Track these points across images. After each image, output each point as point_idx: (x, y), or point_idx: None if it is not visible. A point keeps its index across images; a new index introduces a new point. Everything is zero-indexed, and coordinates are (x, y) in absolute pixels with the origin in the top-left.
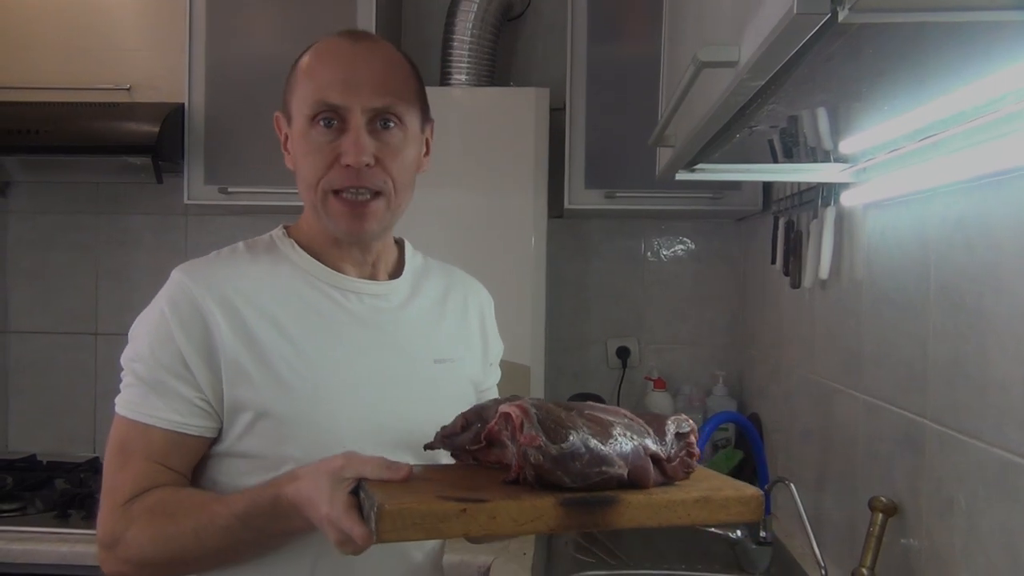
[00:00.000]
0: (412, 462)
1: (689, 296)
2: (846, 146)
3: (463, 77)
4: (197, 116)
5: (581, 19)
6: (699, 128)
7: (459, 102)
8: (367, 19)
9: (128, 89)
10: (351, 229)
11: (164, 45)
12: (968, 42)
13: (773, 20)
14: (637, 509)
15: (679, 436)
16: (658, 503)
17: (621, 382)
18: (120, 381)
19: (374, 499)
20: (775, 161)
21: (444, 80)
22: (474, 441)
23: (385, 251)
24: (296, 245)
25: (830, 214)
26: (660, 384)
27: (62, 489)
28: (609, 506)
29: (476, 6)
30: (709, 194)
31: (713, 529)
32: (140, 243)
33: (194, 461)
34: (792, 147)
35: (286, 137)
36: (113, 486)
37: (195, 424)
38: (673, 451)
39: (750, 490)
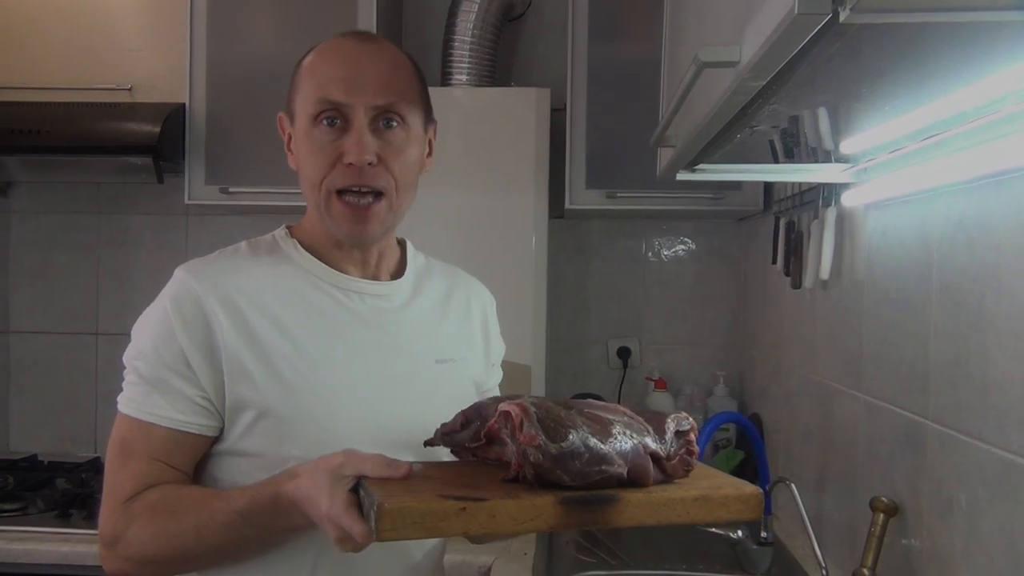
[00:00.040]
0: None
1: (690, 296)
2: (847, 146)
3: (464, 77)
4: (198, 116)
5: (582, 19)
6: (700, 128)
7: (460, 102)
8: (368, 19)
9: (129, 89)
10: (353, 232)
11: (165, 45)
12: (969, 43)
13: (774, 20)
14: (636, 507)
15: (679, 434)
16: (657, 501)
17: (622, 382)
18: (122, 380)
19: (374, 498)
20: (776, 161)
21: (445, 80)
22: (474, 439)
23: (387, 251)
24: (298, 245)
25: (831, 214)
26: (661, 384)
27: (63, 489)
28: (608, 505)
29: (477, 6)
30: (710, 194)
31: (714, 529)
32: (141, 243)
33: (195, 459)
34: (793, 147)
35: (289, 137)
36: (115, 484)
37: (196, 423)
38: (673, 449)
39: (749, 488)
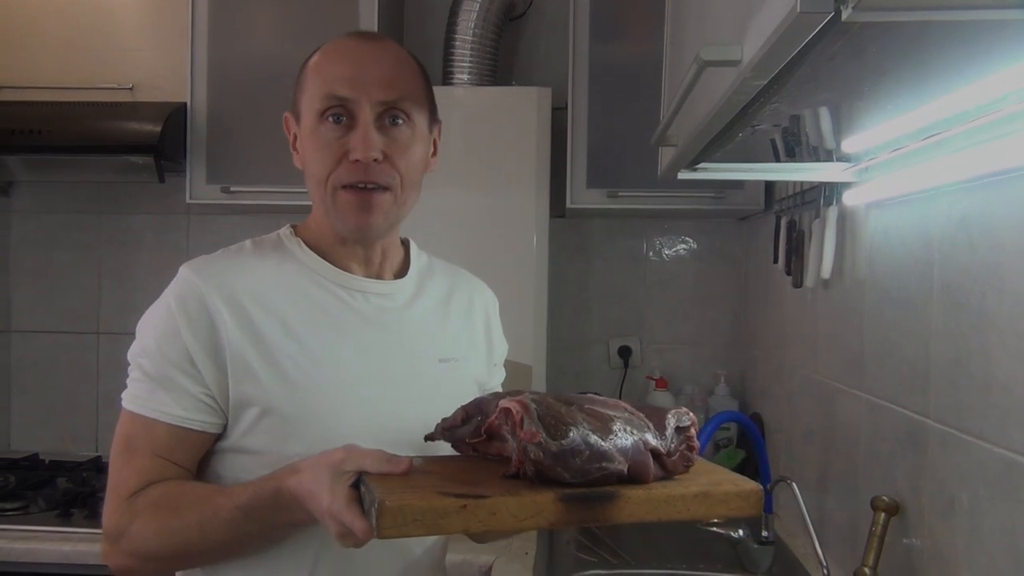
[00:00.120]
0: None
1: (691, 296)
2: (848, 145)
3: (465, 76)
4: (199, 116)
5: (583, 18)
6: (701, 127)
7: (461, 102)
8: (369, 18)
9: (130, 89)
10: (358, 223)
11: (166, 45)
12: (971, 41)
13: (776, 19)
14: (637, 504)
15: (679, 430)
16: (657, 498)
17: (623, 382)
18: (123, 378)
19: (375, 495)
20: (777, 160)
21: (446, 80)
22: (474, 434)
23: (391, 250)
24: (303, 244)
25: (832, 213)
26: (662, 384)
27: (64, 488)
28: (609, 501)
29: (478, 5)
30: (711, 193)
31: (715, 528)
32: (142, 243)
33: (198, 456)
34: (794, 146)
35: (295, 137)
36: (118, 480)
37: (200, 420)
38: (673, 445)
39: (749, 484)
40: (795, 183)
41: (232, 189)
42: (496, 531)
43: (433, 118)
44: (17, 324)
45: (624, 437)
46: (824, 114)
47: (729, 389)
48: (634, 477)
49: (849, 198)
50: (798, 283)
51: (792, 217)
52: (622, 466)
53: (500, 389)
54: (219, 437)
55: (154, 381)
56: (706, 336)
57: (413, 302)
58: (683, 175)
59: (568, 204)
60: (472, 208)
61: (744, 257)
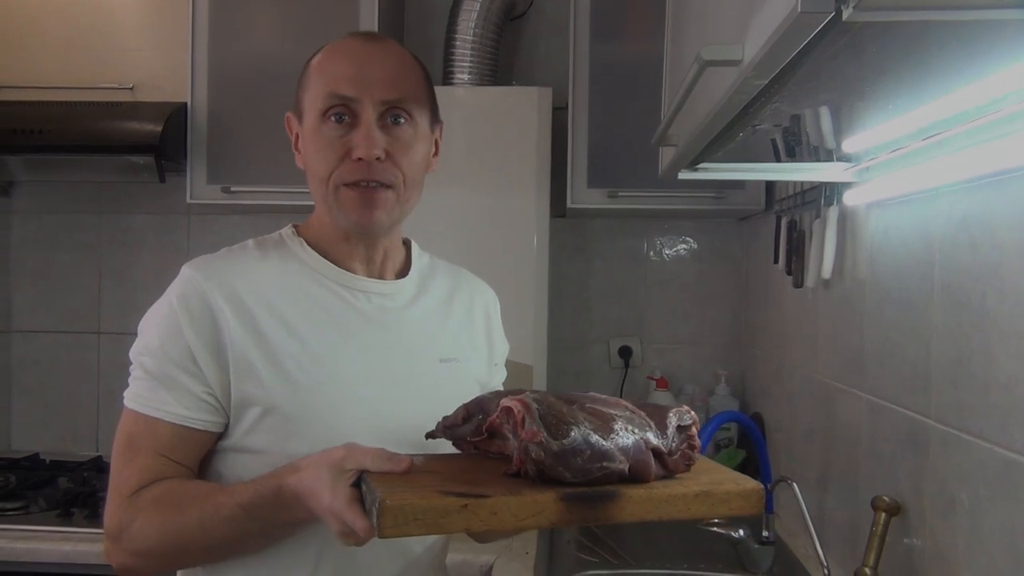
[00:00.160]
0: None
1: (691, 296)
2: (849, 145)
3: (466, 76)
4: (200, 115)
5: (584, 18)
6: (702, 127)
7: (462, 101)
8: (369, 18)
9: (131, 88)
10: (361, 219)
11: (167, 45)
12: (971, 41)
13: (777, 18)
14: (638, 503)
15: (680, 429)
16: (658, 497)
17: (623, 382)
18: (124, 378)
19: (376, 494)
20: (778, 160)
21: (447, 79)
22: (476, 432)
23: (392, 250)
24: (305, 243)
25: (833, 213)
26: (662, 384)
27: (65, 488)
28: (610, 501)
29: (479, 5)
30: (712, 193)
31: (716, 528)
32: (143, 243)
33: (200, 455)
34: (795, 146)
35: (297, 137)
36: (120, 479)
37: (202, 419)
38: (674, 444)
39: (751, 484)
40: (795, 183)
41: (233, 189)
42: (497, 530)
43: (435, 118)
44: (18, 324)
45: (625, 436)
46: (825, 114)
47: (730, 389)
48: (635, 476)
49: (850, 198)
50: (799, 283)
51: (793, 217)
52: (623, 465)
53: (502, 389)
54: (220, 436)
55: (156, 380)
56: (706, 336)
57: (414, 302)
58: (684, 175)
59: (568, 204)
60: (473, 208)
61: (744, 257)
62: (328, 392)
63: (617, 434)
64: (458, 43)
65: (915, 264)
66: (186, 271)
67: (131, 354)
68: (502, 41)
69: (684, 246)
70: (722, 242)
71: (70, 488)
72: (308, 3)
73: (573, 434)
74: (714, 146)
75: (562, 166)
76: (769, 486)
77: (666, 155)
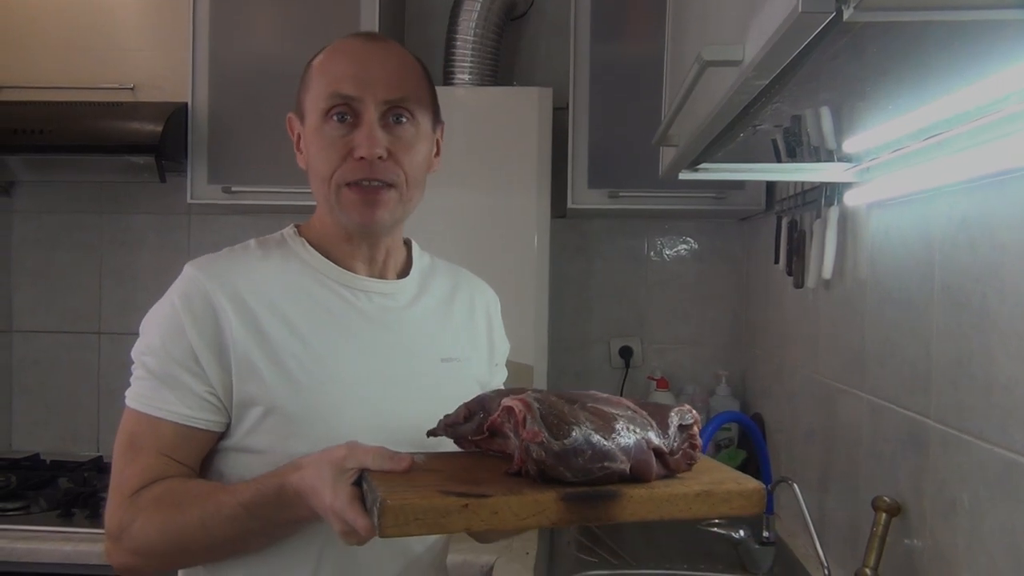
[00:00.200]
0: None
1: (692, 296)
2: (849, 145)
3: (466, 77)
4: (200, 115)
5: (584, 18)
6: (703, 127)
7: (462, 102)
8: (370, 18)
9: (132, 88)
10: (363, 219)
11: (167, 45)
12: (971, 41)
13: (778, 19)
14: (639, 503)
15: (682, 428)
16: (659, 497)
17: (624, 382)
18: (125, 378)
19: (376, 493)
20: (779, 160)
21: (447, 80)
22: (477, 431)
23: (394, 250)
24: (306, 243)
25: (833, 214)
26: (663, 384)
27: (66, 488)
28: (611, 500)
29: (479, 5)
30: (712, 194)
31: (716, 529)
32: (143, 243)
33: (202, 455)
34: (796, 146)
35: (299, 137)
36: (121, 478)
37: (204, 418)
38: (676, 444)
39: (752, 483)
40: (796, 183)
41: (233, 189)
42: (498, 530)
43: (436, 119)
44: (18, 324)
45: (627, 436)
46: (825, 114)
47: (730, 389)
48: (636, 476)
49: (850, 198)
50: (799, 283)
51: (793, 217)
52: (624, 465)
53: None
54: (222, 436)
55: (158, 379)
56: (707, 336)
57: (415, 302)
58: (684, 175)
59: (569, 204)
60: (473, 208)
61: (745, 257)
62: (330, 392)
63: (618, 434)
64: (459, 43)
65: (915, 264)
66: (188, 270)
67: (133, 353)
68: (503, 41)
69: (685, 246)
70: (723, 242)
71: (71, 488)
72: (308, 3)
73: (574, 434)
74: (715, 146)
75: (562, 166)
76: (770, 486)
77: (667, 155)
